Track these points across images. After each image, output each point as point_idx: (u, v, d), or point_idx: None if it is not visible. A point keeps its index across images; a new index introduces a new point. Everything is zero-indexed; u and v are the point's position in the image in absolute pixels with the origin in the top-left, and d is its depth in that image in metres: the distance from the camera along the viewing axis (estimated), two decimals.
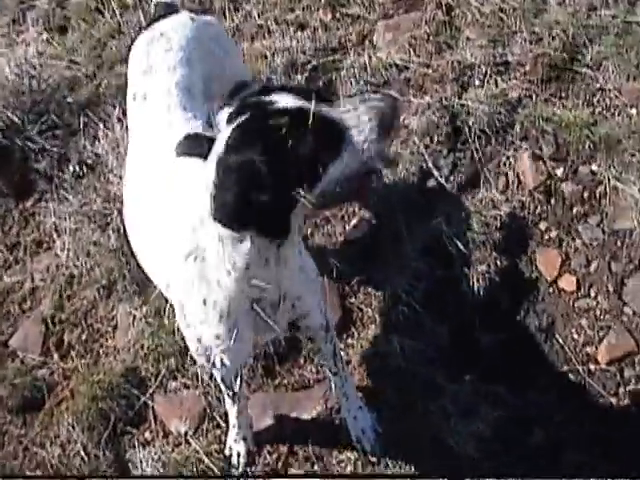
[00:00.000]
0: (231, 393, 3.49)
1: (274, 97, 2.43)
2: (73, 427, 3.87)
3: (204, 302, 2.80)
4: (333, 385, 3.57)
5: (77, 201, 4.48)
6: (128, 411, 3.93)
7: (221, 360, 3.00)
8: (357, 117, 2.40)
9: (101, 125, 4.70)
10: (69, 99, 5.10)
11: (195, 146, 2.90)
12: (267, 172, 2.36)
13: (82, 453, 3.81)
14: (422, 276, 3.95)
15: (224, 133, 2.47)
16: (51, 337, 4.28)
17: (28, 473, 3.89)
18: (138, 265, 3.37)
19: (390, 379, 3.71)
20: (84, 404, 3.91)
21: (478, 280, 3.94)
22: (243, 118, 2.44)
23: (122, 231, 4.26)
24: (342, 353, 3.59)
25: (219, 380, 3.42)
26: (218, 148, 2.47)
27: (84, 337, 4.25)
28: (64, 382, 4.10)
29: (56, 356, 4.21)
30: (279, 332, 3.14)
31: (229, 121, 2.47)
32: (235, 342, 2.90)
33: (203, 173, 2.50)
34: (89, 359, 4.16)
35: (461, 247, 4.00)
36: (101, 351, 4.19)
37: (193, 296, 2.82)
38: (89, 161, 4.58)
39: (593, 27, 4.64)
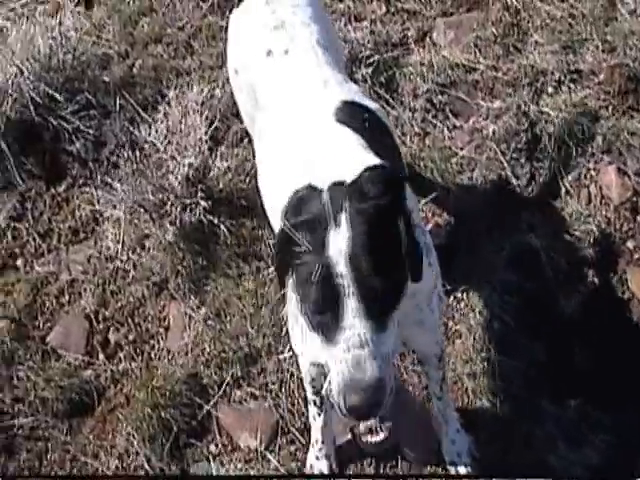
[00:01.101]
0: (319, 400, 3.20)
1: (344, 226, 2.17)
2: (133, 436, 3.52)
3: None
4: (435, 409, 3.33)
5: (124, 188, 4.10)
6: (191, 421, 3.60)
7: None
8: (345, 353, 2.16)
9: (159, 107, 4.33)
10: (104, 78, 4.70)
11: (355, 118, 2.74)
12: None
13: (146, 466, 3.47)
14: (512, 290, 3.72)
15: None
16: (95, 335, 3.93)
17: None
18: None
19: (487, 400, 3.47)
20: (143, 412, 3.57)
21: (571, 297, 3.71)
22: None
23: (179, 224, 3.93)
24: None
25: (307, 381, 3.16)
26: None
27: (132, 337, 3.91)
28: (115, 386, 3.74)
29: (102, 357, 3.85)
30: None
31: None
32: None
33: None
34: (140, 362, 3.81)
35: (552, 261, 3.76)
36: (153, 354, 3.86)
37: None
38: (144, 146, 4.18)
39: None
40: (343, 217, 2.15)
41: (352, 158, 2.47)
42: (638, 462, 3.32)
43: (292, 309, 2.68)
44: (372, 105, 2.98)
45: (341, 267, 2.11)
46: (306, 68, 3.03)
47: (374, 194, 2.21)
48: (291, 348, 3.45)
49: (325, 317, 2.16)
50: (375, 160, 2.46)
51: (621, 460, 3.33)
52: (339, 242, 2.12)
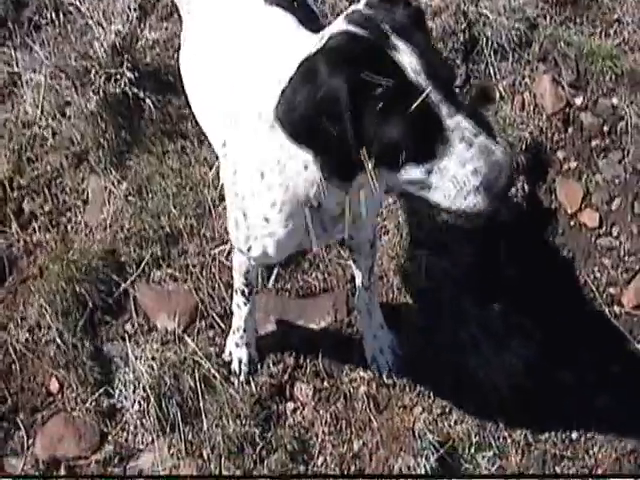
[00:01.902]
0: (247, 290, 3.13)
1: (402, 45, 1.99)
2: (45, 310, 3.38)
3: (262, 175, 2.43)
4: (361, 301, 3.29)
5: (46, 52, 3.88)
6: (107, 298, 3.49)
7: (263, 246, 2.62)
8: (469, 149, 1.99)
9: None
10: None
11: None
12: (346, 113, 1.97)
13: (58, 340, 3.34)
14: None
15: (332, 29, 2.08)
16: (8, 203, 3.73)
17: None
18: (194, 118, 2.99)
19: (412, 298, 3.45)
20: (57, 285, 3.43)
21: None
22: (358, 34, 2.02)
23: (103, 94, 3.75)
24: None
25: (240, 272, 3.09)
26: (315, 41, 2.10)
27: (47, 208, 3.74)
28: (28, 257, 3.58)
29: (15, 226, 3.67)
30: (331, 241, 2.85)
31: (347, 19, 2.07)
32: (285, 233, 2.54)
33: (287, 48, 2.21)
34: (55, 234, 3.64)
35: None
36: (69, 227, 3.71)
37: (251, 162, 2.46)
38: (69, 10, 3.95)
39: None
40: (394, 39, 1.99)
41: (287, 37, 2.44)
42: (559, 374, 3.36)
43: (239, 204, 2.57)
44: None
45: (422, 81, 1.96)
46: None
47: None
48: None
49: (423, 139, 1.99)
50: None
51: (540, 367, 3.36)
52: (411, 62, 1.97)
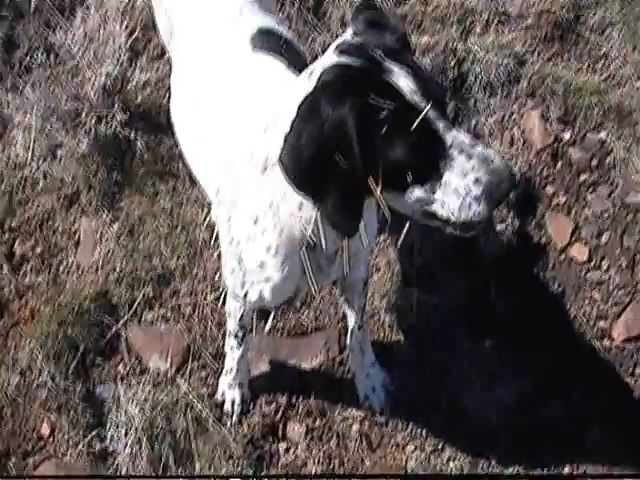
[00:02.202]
0: (241, 334, 3.14)
1: (396, 69, 2.03)
2: (37, 353, 3.39)
3: (255, 220, 2.45)
4: (353, 340, 3.30)
5: (37, 94, 3.90)
6: (99, 340, 3.49)
7: (260, 292, 2.64)
8: (469, 160, 2.04)
9: (78, 12, 4.12)
10: None
11: (273, 43, 2.70)
12: (354, 141, 2.00)
13: (50, 384, 3.34)
14: (434, 228, 3.67)
15: (324, 62, 2.10)
16: (0, 246, 3.72)
17: None
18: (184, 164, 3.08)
19: (404, 335, 3.46)
20: (49, 328, 3.44)
21: (490, 238, 3.71)
22: (351, 63, 2.06)
23: (94, 136, 3.78)
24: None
25: (235, 317, 3.09)
26: (304, 77, 2.13)
27: (39, 250, 3.75)
28: (20, 300, 3.59)
29: (6, 268, 3.68)
30: (328, 282, 2.89)
31: (337, 51, 2.10)
32: (281, 277, 2.55)
33: (286, 95, 2.18)
34: (47, 276, 3.66)
35: None
36: (61, 269, 3.71)
37: (245, 208, 2.48)
38: (59, 52, 3.98)
39: None
40: (387, 64, 2.02)
41: (276, 81, 2.47)
42: (549, 407, 3.36)
43: (234, 250, 2.58)
44: (287, 33, 2.93)
45: (420, 101, 2.00)
46: None
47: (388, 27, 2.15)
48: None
49: (426, 156, 2.04)
50: None
51: (532, 402, 3.36)
52: (407, 83, 2.01)
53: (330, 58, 2.10)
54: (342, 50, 2.09)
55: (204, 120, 2.73)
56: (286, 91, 2.22)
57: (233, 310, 3.06)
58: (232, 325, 3.14)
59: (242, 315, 3.05)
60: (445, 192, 2.07)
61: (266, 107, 2.32)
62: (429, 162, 2.04)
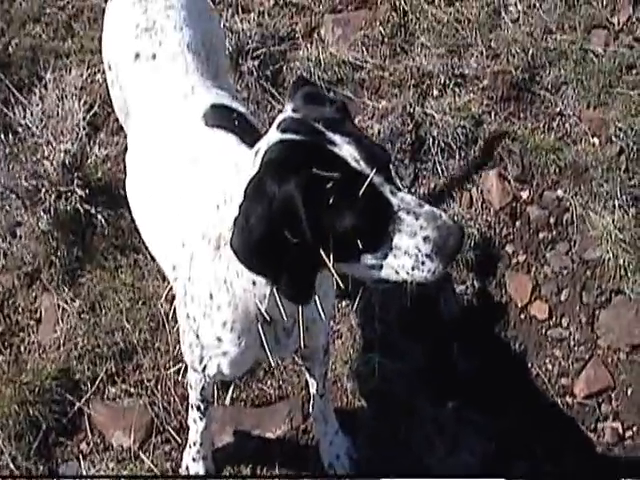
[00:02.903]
0: (203, 406, 3.13)
1: (338, 139, 2.06)
2: None
3: (210, 296, 2.48)
4: (315, 408, 3.29)
5: None
6: (61, 419, 3.48)
7: (218, 365, 2.66)
8: (417, 220, 2.06)
9: (36, 90, 4.16)
10: None
11: (226, 119, 2.73)
12: (303, 215, 2.02)
13: (11, 466, 3.32)
14: (393, 291, 3.69)
15: (268, 140, 2.13)
16: None
17: None
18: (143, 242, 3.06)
19: (367, 401, 3.46)
20: (10, 409, 3.43)
21: (451, 300, 3.73)
22: (295, 138, 2.09)
23: (54, 213, 3.79)
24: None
25: (196, 389, 3.07)
26: (250, 156, 2.16)
27: (0, 329, 3.72)
28: None
29: None
30: (286, 354, 2.89)
31: (280, 129, 2.13)
32: (238, 351, 2.58)
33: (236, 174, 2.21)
34: (8, 356, 3.65)
35: None
36: (22, 347, 3.72)
37: (200, 285, 2.50)
38: (18, 129, 4.01)
39: (552, 50, 4.55)
40: (329, 135, 2.06)
41: (230, 155, 2.45)
42: (514, 467, 3.35)
43: (191, 325, 2.60)
44: (241, 108, 2.95)
45: (364, 167, 2.03)
46: (173, 75, 2.96)
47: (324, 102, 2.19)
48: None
49: (375, 221, 2.05)
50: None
51: (496, 462, 3.36)
52: (350, 152, 2.04)
53: (273, 135, 2.13)
54: (284, 127, 2.12)
55: (158, 197, 2.76)
56: (238, 167, 2.24)
57: (194, 383, 3.05)
58: (194, 398, 3.13)
59: (203, 387, 3.05)
60: (397, 255, 2.08)
61: (218, 184, 2.33)
62: (378, 227, 2.06)
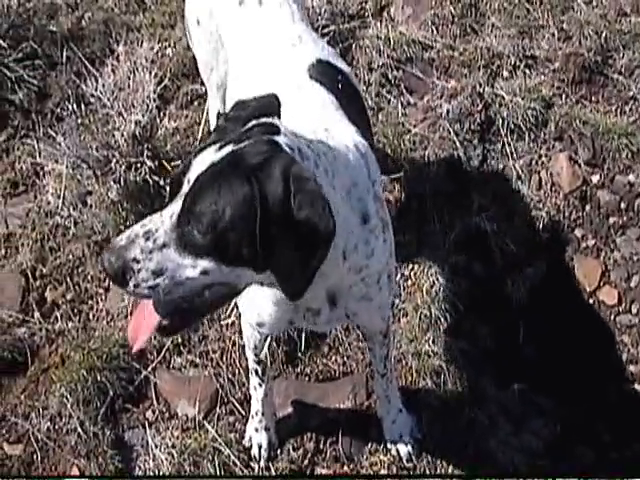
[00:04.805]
0: (260, 369, 3.16)
1: None
2: (67, 398, 3.40)
3: None
4: (378, 387, 3.29)
5: (67, 143, 3.95)
6: (128, 386, 3.50)
7: (257, 314, 2.67)
8: None
9: (107, 62, 4.20)
10: (52, 27, 4.54)
11: (328, 77, 2.70)
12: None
13: (79, 430, 3.36)
14: (460, 271, 3.69)
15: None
16: (31, 293, 3.79)
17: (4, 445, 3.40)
18: None
19: (431, 380, 3.44)
20: (79, 374, 3.45)
21: (518, 282, 3.70)
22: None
23: (124, 183, 3.82)
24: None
25: (249, 347, 3.09)
26: None
27: (69, 296, 3.79)
28: (50, 346, 3.61)
29: (37, 315, 3.71)
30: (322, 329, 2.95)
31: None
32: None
33: None
34: (77, 322, 3.68)
35: (502, 245, 3.74)
36: (91, 315, 3.75)
37: None
38: (90, 101, 4.03)
39: (625, 33, 4.49)
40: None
41: (324, 116, 2.43)
42: (579, 452, 3.32)
43: None
44: (345, 68, 2.91)
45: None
46: (280, 22, 2.94)
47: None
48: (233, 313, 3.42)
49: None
50: (346, 129, 2.40)
51: (560, 446, 3.33)
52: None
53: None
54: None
55: None
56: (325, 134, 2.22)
57: (246, 338, 3.06)
58: (250, 360, 3.15)
59: (255, 346, 3.05)
60: None
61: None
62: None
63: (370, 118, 3.13)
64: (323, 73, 2.72)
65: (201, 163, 2.04)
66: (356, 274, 2.42)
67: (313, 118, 2.49)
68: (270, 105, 2.19)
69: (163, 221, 2.05)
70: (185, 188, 2.03)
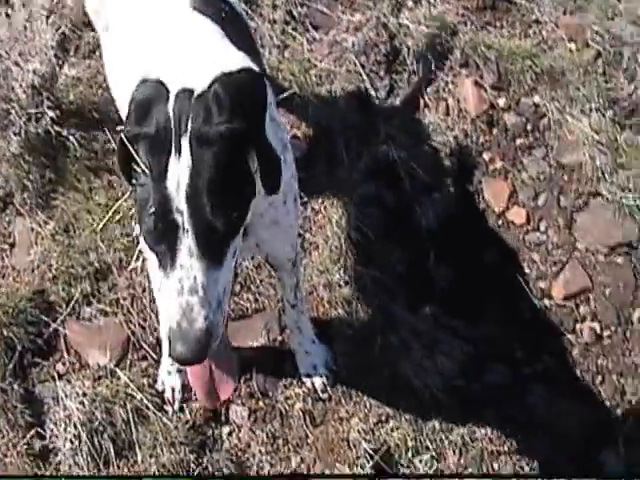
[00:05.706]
0: None
1: None
2: None
3: None
4: (289, 319, 3.28)
5: None
6: (37, 340, 3.46)
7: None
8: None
9: (2, 10, 4.09)
10: None
11: (213, 7, 2.59)
12: None
13: None
14: (370, 201, 3.68)
15: None
16: None
17: None
18: None
19: (343, 310, 3.44)
20: None
21: (428, 208, 3.70)
22: None
23: (24, 136, 3.74)
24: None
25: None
26: None
27: None
28: None
29: None
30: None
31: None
32: None
33: None
34: None
35: (411, 173, 3.74)
36: None
37: None
38: None
39: None
40: (185, 143, 1.92)
41: (211, 51, 2.31)
42: (493, 370, 3.34)
43: None
44: (235, 3, 2.85)
45: (179, 202, 1.90)
46: None
47: (224, 116, 1.96)
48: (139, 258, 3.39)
49: (161, 249, 1.96)
50: (235, 56, 2.30)
51: (474, 366, 3.35)
52: (179, 173, 1.90)
53: None
54: None
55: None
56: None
57: (154, 282, 3.01)
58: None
59: None
60: None
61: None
62: None
63: (257, 43, 3.05)
64: (206, 4, 2.62)
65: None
66: (264, 199, 2.38)
67: (200, 50, 2.42)
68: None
69: (191, 265, 1.94)
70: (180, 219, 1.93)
